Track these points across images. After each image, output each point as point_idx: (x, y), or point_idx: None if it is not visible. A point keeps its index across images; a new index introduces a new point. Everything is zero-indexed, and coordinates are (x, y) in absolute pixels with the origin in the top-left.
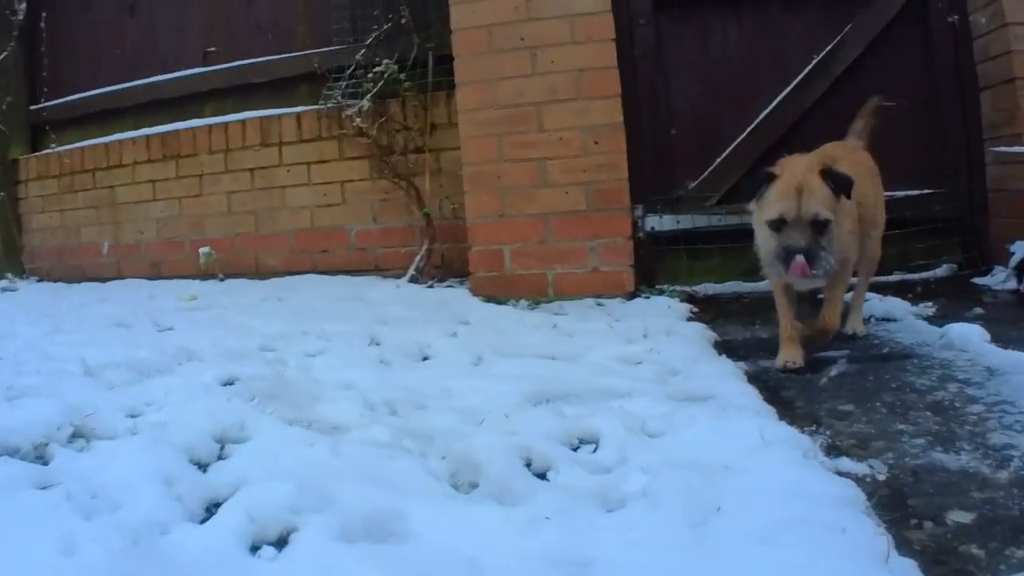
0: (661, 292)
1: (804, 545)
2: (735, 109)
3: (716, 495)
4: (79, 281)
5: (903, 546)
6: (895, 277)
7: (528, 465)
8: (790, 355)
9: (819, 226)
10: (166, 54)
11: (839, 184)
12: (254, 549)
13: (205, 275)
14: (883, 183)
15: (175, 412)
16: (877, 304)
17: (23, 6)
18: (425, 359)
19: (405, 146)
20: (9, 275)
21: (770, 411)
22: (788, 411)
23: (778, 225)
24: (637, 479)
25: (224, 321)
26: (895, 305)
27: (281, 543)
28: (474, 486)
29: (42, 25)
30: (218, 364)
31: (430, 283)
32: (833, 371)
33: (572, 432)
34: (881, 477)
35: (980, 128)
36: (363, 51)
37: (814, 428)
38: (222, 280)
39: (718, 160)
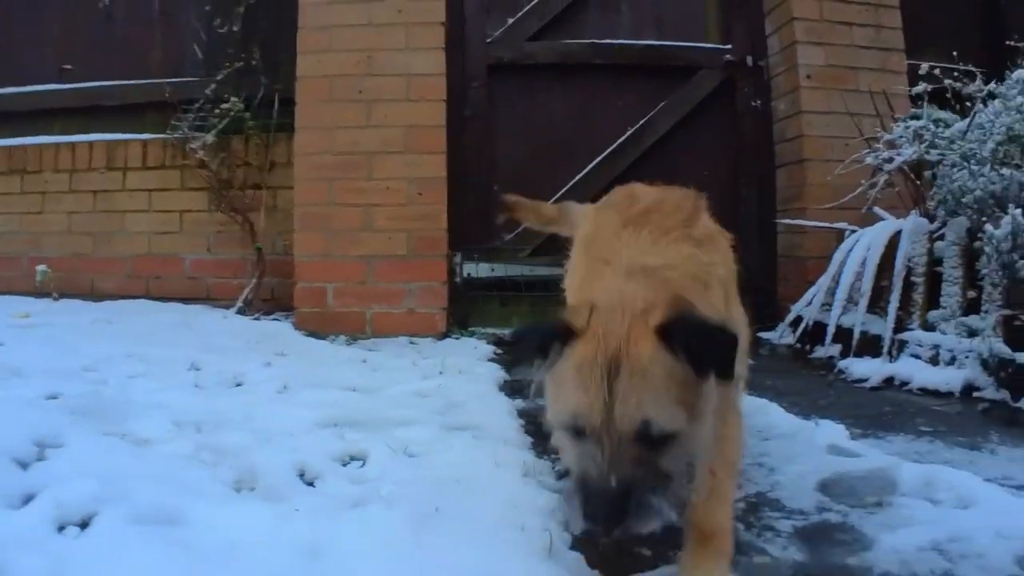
0: (472, 334)
1: (491, 540)
2: (553, 171)
3: (441, 501)
4: None
5: (579, 545)
6: None
7: (301, 475)
8: None
9: (651, 442)
10: (21, 66)
11: (708, 353)
12: (61, 529)
13: (40, 293)
14: None
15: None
16: None
17: None
18: (238, 385)
19: (244, 181)
20: None
21: (524, 441)
22: (543, 441)
23: (575, 433)
24: (387, 489)
25: (54, 340)
26: None
27: (84, 525)
28: (252, 490)
29: None
30: (42, 381)
31: (257, 315)
32: None
33: (347, 451)
34: None
35: (775, 201)
36: (213, 86)
37: (556, 455)
38: (56, 300)
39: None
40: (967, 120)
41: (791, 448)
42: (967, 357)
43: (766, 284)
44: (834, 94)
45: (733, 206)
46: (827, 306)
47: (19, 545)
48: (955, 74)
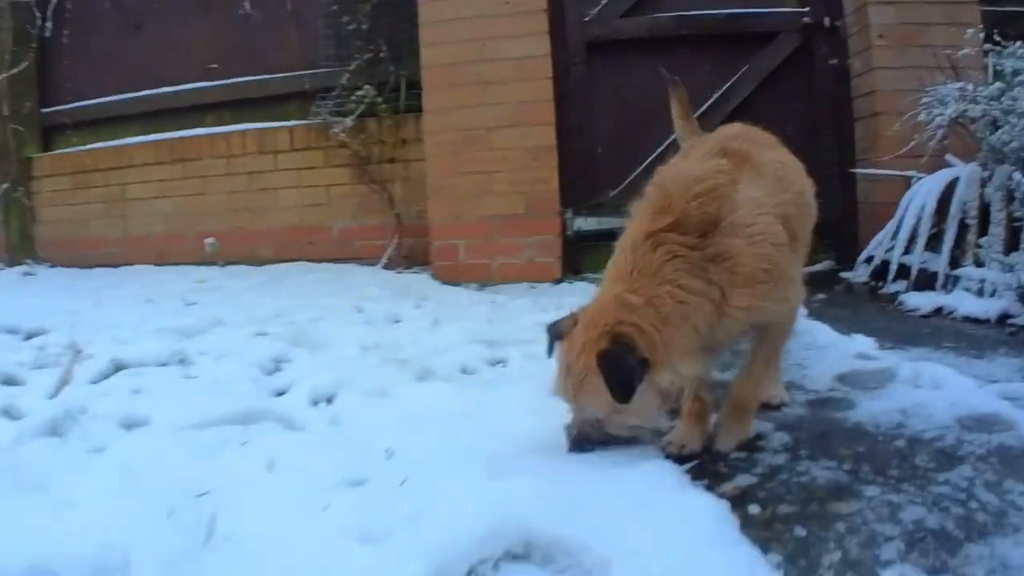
0: (583, 279)
1: None
2: (647, 136)
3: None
4: (88, 268)
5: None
6: None
7: (463, 371)
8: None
9: (591, 422)
10: (171, 69)
11: (614, 384)
12: (315, 403)
13: (208, 263)
14: None
15: (239, 349)
16: None
17: (48, 24)
18: (398, 321)
19: (380, 157)
20: (28, 261)
21: None
22: None
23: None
24: (522, 377)
25: (235, 298)
26: None
27: (329, 400)
28: (431, 379)
29: (63, 39)
30: (246, 326)
31: (399, 270)
32: None
33: (493, 357)
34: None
35: (854, 153)
36: (347, 76)
37: None
38: (223, 267)
39: (633, 175)
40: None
41: (826, 355)
42: (1006, 289)
43: (848, 228)
44: (906, 51)
45: (814, 158)
46: (893, 248)
47: (296, 412)
48: None
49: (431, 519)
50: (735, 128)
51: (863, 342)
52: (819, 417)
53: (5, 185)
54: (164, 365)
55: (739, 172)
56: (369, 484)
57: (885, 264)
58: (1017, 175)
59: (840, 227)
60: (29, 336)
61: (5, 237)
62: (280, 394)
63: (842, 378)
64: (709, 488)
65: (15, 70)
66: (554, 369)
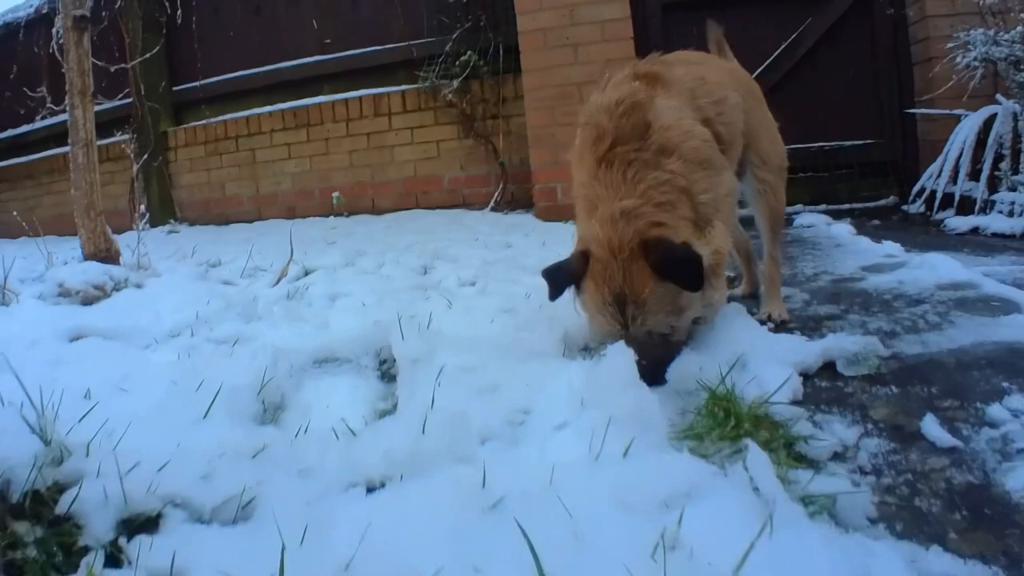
0: None
1: None
2: None
3: None
4: (225, 224)
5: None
6: (846, 206)
7: None
8: None
9: (660, 338)
10: (289, 45)
11: (682, 276)
12: (460, 286)
13: (334, 214)
14: (840, 136)
15: (393, 262)
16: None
17: (179, 13)
18: (509, 247)
19: (484, 114)
20: (171, 221)
21: None
22: None
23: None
24: None
25: (370, 238)
26: (839, 228)
27: (472, 284)
28: None
29: (191, 25)
30: (386, 254)
31: (504, 212)
32: None
33: None
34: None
35: (913, 94)
36: (450, 43)
37: None
38: (348, 216)
39: None
40: (1021, 28)
41: (859, 255)
42: None
43: (907, 164)
44: None
45: (876, 101)
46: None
47: (451, 289)
48: None
49: (561, 320)
50: (660, 56)
51: (891, 247)
52: (836, 287)
53: (144, 156)
54: (345, 266)
55: (653, 89)
56: (518, 311)
57: (935, 195)
58: None
59: (903, 164)
60: (215, 265)
61: (147, 202)
62: (425, 289)
63: (864, 267)
64: None
65: (147, 55)
66: (583, 320)
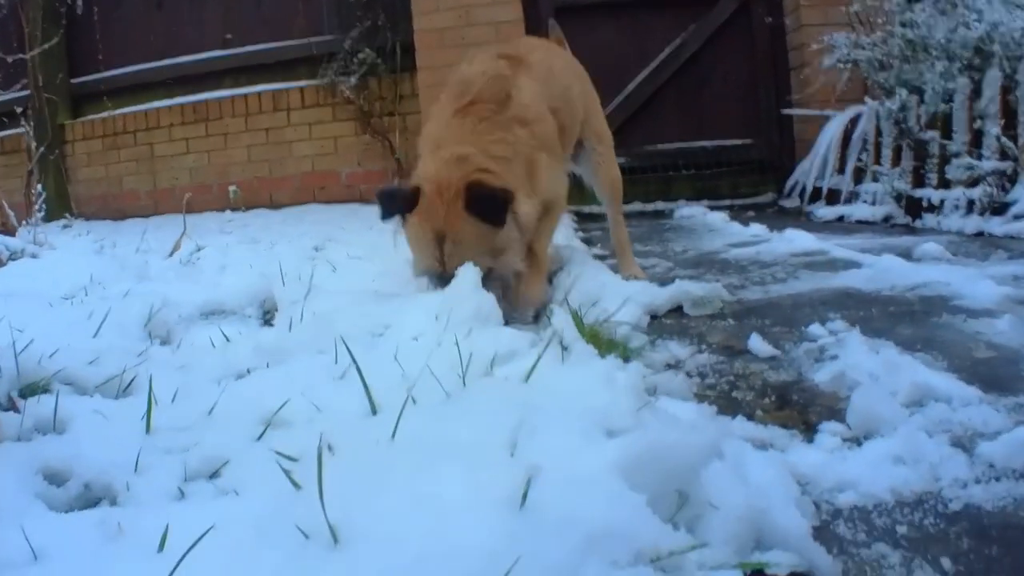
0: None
1: None
2: (612, 86)
3: None
4: (122, 219)
5: None
6: (726, 202)
7: None
8: None
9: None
10: (191, 40)
11: (491, 209)
12: (350, 259)
13: (231, 208)
14: (721, 136)
15: (287, 244)
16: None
17: (79, 3)
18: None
19: (381, 111)
20: (65, 216)
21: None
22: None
23: (429, 278)
24: None
25: (267, 228)
26: (714, 216)
27: (360, 259)
28: None
29: (92, 16)
30: (282, 241)
31: None
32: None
33: None
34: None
35: (790, 97)
36: (349, 42)
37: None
38: (245, 211)
39: None
40: (882, 32)
41: (731, 237)
42: (889, 197)
43: (785, 162)
44: (830, 9)
45: (753, 103)
46: (812, 173)
47: (337, 261)
48: None
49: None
50: (518, 40)
51: (758, 228)
52: (700, 258)
53: (41, 149)
54: (238, 244)
55: (517, 69)
56: (398, 273)
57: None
58: (888, 103)
59: (781, 162)
60: (112, 247)
61: (44, 197)
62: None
63: (730, 244)
64: None
65: (46, 45)
66: (412, 250)
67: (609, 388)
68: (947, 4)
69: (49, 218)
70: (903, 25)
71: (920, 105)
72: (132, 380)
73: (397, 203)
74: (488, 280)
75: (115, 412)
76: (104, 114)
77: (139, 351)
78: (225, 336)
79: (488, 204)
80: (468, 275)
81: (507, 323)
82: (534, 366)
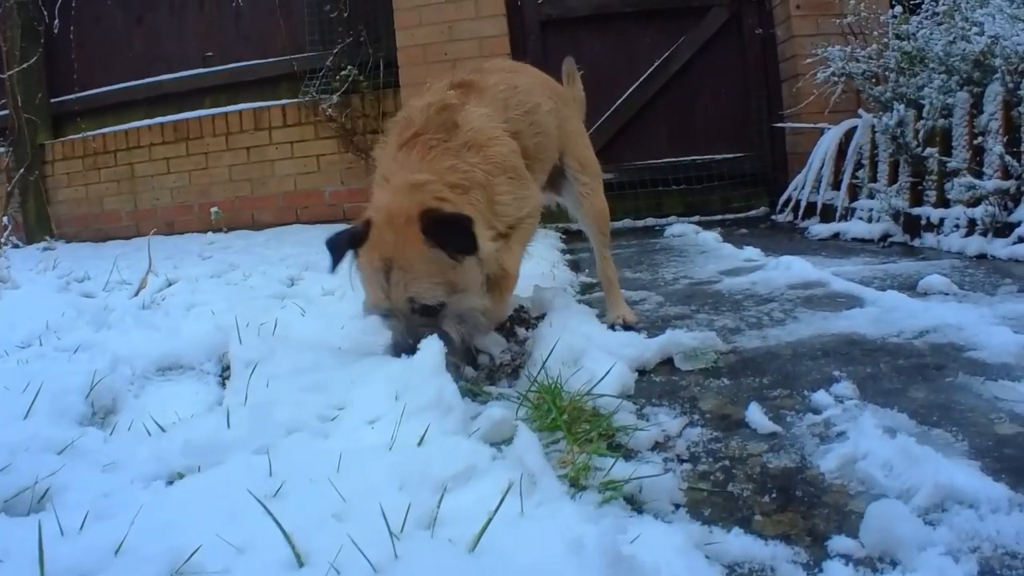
0: (543, 227)
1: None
2: (600, 99)
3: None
4: (103, 241)
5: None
6: (718, 217)
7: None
8: None
9: (428, 310)
10: (171, 58)
11: (452, 238)
12: (324, 295)
13: (213, 229)
14: (712, 149)
15: (262, 276)
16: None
17: (56, 22)
18: None
19: (364, 128)
20: (47, 238)
21: (572, 275)
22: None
23: (381, 316)
24: None
25: (247, 251)
26: (706, 236)
27: (332, 294)
28: None
29: (69, 35)
30: (261, 266)
31: None
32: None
33: None
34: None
35: (782, 109)
36: (331, 58)
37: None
38: (227, 232)
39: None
40: (877, 45)
41: (720, 260)
42: (886, 214)
43: (780, 177)
44: (821, 19)
45: (745, 115)
46: (806, 188)
47: (312, 297)
48: None
49: None
50: (488, 62)
51: (752, 252)
52: (692, 289)
53: (21, 170)
54: (211, 277)
55: (467, 96)
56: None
57: (802, 204)
58: (884, 118)
59: (773, 176)
60: (81, 280)
61: (24, 218)
62: (293, 285)
63: (723, 271)
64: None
65: (25, 65)
66: (362, 287)
67: (575, 560)
68: (945, 16)
69: (30, 239)
70: (899, 37)
71: (918, 120)
72: (46, 491)
73: (344, 244)
74: (443, 318)
75: (11, 547)
76: (84, 134)
77: (67, 441)
78: (161, 426)
79: (449, 229)
80: (431, 350)
81: (458, 372)
82: (487, 524)
